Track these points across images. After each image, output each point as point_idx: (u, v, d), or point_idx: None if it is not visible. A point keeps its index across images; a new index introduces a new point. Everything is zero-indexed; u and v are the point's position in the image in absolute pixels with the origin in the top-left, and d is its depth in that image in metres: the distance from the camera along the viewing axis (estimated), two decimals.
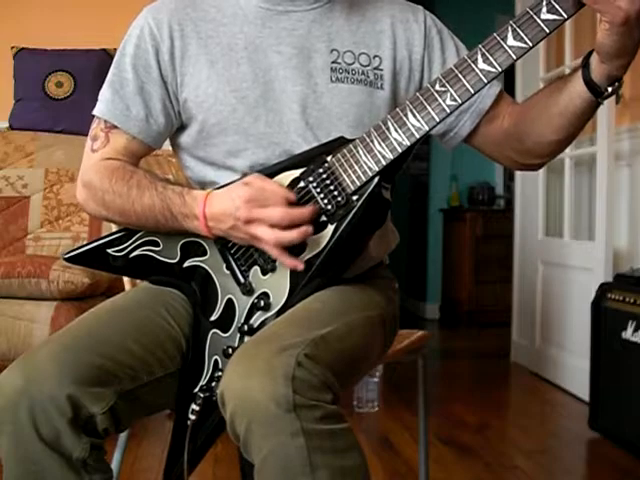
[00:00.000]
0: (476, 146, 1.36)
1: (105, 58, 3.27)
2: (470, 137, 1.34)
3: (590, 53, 1.12)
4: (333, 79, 1.26)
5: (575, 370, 3.25)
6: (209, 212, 1.17)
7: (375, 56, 1.29)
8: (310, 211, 1.13)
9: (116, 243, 1.28)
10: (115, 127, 1.28)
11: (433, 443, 2.52)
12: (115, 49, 3.43)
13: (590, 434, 2.75)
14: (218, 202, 1.16)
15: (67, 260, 1.30)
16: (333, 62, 1.27)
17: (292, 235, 1.12)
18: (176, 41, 1.27)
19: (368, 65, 1.28)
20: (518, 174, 4.13)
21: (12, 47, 3.29)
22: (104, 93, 1.30)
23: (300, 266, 1.14)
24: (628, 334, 2.54)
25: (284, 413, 0.95)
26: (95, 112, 1.30)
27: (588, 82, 1.12)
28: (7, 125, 3.24)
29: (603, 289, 2.74)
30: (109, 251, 1.28)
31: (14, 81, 3.27)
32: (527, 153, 1.29)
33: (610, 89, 1.12)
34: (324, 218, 1.16)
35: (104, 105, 1.29)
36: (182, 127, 1.31)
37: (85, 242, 2.93)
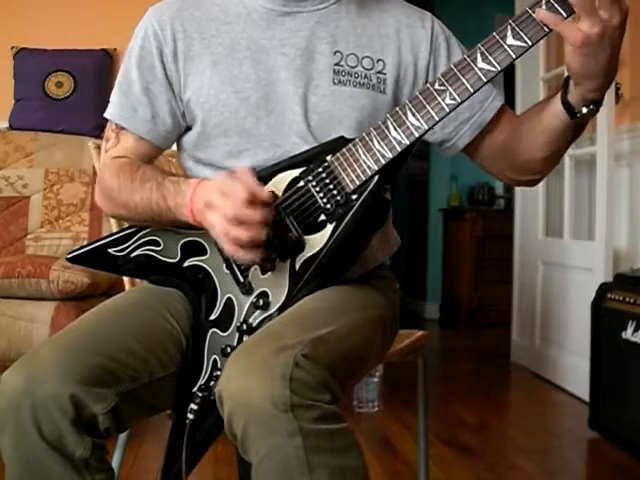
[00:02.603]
0: (473, 158, 1.36)
1: (105, 58, 3.27)
2: (467, 149, 1.34)
3: None
4: (335, 81, 1.26)
5: (575, 370, 3.25)
6: (196, 198, 1.15)
7: (379, 60, 1.29)
8: (260, 215, 1.08)
9: (117, 243, 1.28)
10: (124, 128, 1.30)
11: (433, 443, 2.52)
12: (115, 49, 3.42)
13: (590, 434, 2.75)
14: (205, 189, 1.15)
15: (69, 260, 1.31)
16: (336, 64, 1.26)
17: (239, 232, 1.07)
18: (179, 42, 1.27)
19: (371, 69, 1.28)
20: None
21: (12, 47, 3.30)
22: (113, 95, 1.32)
23: (257, 260, 1.11)
24: (628, 334, 2.54)
25: (281, 413, 0.95)
26: (105, 114, 1.33)
27: (565, 103, 1.13)
28: (7, 125, 3.24)
29: (603, 289, 2.74)
30: (110, 251, 1.29)
31: (14, 81, 3.27)
32: (520, 169, 1.29)
33: (584, 111, 1.12)
34: (323, 217, 1.16)
35: (113, 107, 1.31)
36: (188, 128, 1.31)
37: (85, 242, 2.94)
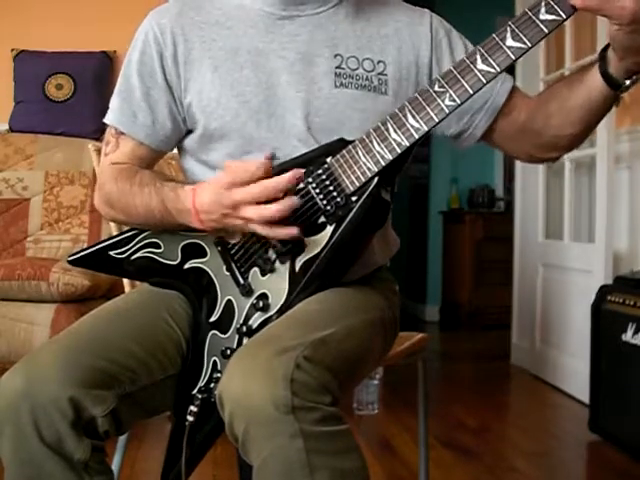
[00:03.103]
0: (492, 143, 1.36)
1: (105, 60, 3.27)
2: (486, 135, 1.34)
3: (607, 47, 1.13)
4: (337, 84, 1.26)
5: (575, 372, 3.25)
6: (199, 204, 1.16)
7: (379, 61, 1.29)
8: (287, 177, 1.11)
9: (118, 245, 1.29)
10: (124, 133, 1.30)
11: (433, 445, 2.52)
12: (115, 51, 3.42)
13: (590, 436, 2.75)
14: (205, 193, 1.15)
15: (70, 263, 1.31)
16: (337, 67, 1.26)
17: (271, 208, 1.10)
18: (179, 46, 1.27)
19: (372, 70, 1.28)
20: (518, 176, 4.13)
21: (12, 49, 3.30)
22: (113, 100, 1.32)
23: (294, 231, 1.12)
24: (628, 336, 2.54)
25: (282, 415, 0.95)
26: (105, 120, 1.33)
27: (606, 76, 1.14)
28: (7, 127, 3.24)
29: (603, 291, 2.73)
30: (111, 253, 1.29)
31: (14, 83, 3.27)
32: (545, 146, 1.29)
33: (628, 82, 1.13)
34: (323, 219, 1.16)
35: (112, 113, 1.31)
36: (189, 131, 1.31)
37: (85, 244, 2.94)
